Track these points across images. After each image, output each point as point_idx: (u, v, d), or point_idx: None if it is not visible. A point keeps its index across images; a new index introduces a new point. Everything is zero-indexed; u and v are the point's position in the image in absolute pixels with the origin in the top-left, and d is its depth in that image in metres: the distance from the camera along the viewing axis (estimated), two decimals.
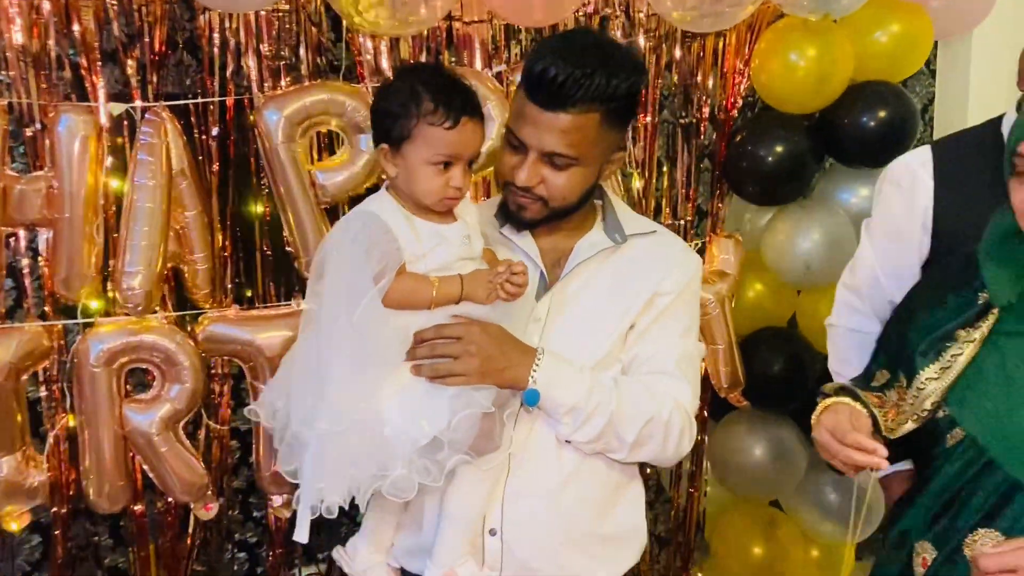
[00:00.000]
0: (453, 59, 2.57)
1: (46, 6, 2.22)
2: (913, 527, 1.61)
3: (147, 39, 2.33)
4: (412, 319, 1.65)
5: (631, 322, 1.79)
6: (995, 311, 1.56)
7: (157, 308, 2.36)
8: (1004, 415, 1.49)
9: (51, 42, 2.25)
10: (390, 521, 1.83)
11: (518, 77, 1.86)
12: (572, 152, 1.65)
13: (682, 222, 2.98)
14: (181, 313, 2.42)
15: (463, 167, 1.66)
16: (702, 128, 2.89)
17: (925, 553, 1.58)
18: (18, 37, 2.21)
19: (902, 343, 1.68)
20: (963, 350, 1.56)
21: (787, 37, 2.68)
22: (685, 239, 2.91)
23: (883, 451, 1.47)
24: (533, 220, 1.79)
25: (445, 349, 1.65)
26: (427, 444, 1.60)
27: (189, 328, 2.41)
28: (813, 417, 1.66)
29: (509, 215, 1.81)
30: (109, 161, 2.31)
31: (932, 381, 1.58)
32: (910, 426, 1.62)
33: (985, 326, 1.56)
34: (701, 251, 3.01)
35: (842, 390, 1.70)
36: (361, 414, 1.59)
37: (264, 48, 2.42)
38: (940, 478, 1.57)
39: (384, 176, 1.78)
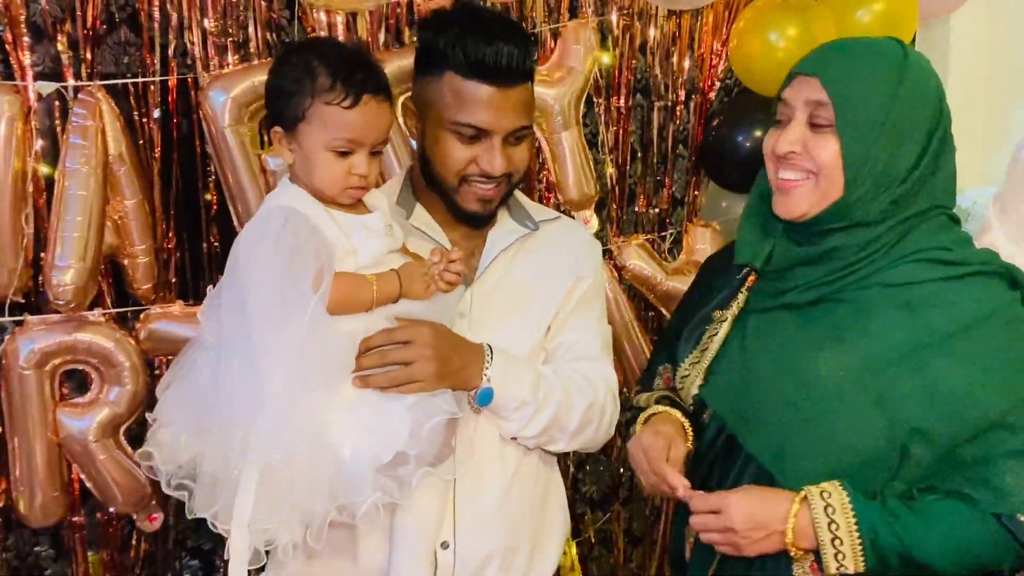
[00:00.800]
0: (415, 37, 2.41)
1: None
2: (682, 508, 1.64)
3: (80, 12, 2.15)
4: (356, 325, 1.50)
5: (556, 309, 1.78)
6: (744, 291, 1.62)
7: (94, 305, 2.19)
8: (739, 389, 1.54)
9: None
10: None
11: None
12: (528, 121, 1.67)
13: (657, 210, 2.90)
14: (121, 310, 2.25)
15: (367, 153, 1.51)
16: (677, 112, 2.82)
17: (691, 537, 1.63)
18: None
19: (672, 334, 1.75)
20: (717, 331, 1.62)
21: (766, 15, 2.59)
22: (662, 228, 2.81)
23: (682, 490, 1.50)
24: (494, 209, 1.72)
25: (398, 355, 1.52)
26: (389, 460, 1.45)
27: (130, 326, 2.25)
28: (636, 425, 1.71)
29: (463, 216, 1.72)
30: (40, 145, 2.14)
31: (693, 366, 1.64)
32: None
33: (736, 305, 1.62)
34: (677, 240, 2.91)
35: (663, 399, 1.75)
36: (311, 438, 1.42)
37: (209, 24, 2.24)
38: (697, 456, 1.63)
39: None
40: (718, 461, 1.59)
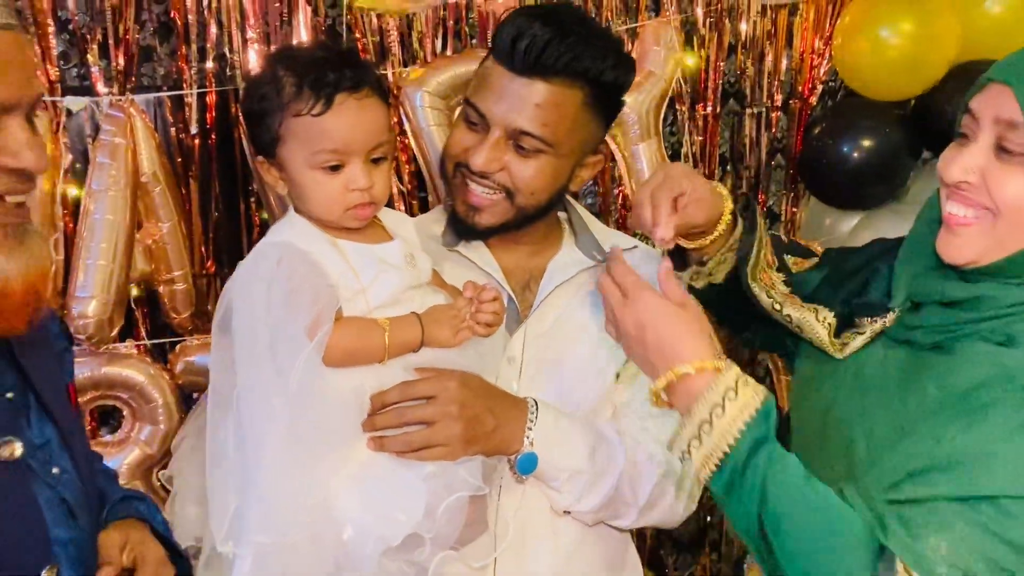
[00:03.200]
0: (473, 39, 2.23)
1: None
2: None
3: (112, 23, 2.01)
4: (364, 377, 1.28)
5: (626, 356, 1.46)
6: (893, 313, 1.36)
7: (126, 336, 2.07)
8: (819, 419, 1.36)
9: None
10: None
11: None
12: (545, 133, 1.41)
13: None
14: (155, 341, 2.11)
15: (363, 162, 1.28)
16: (774, 119, 2.66)
17: None
18: None
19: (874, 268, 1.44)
20: (851, 340, 1.36)
21: (877, 9, 2.40)
22: None
23: (665, 233, 1.34)
24: (490, 226, 1.47)
25: (417, 413, 1.29)
26: (401, 542, 1.22)
27: (166, 358, 2.13)
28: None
29: (457, 222, 1.49)
30: (70, 163, 2.03)
31: (817, 328, 1.38)
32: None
33: (882, 324, 1.35)
34: None
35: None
36: (309, 514, 1.21)
37: (251, 32, 2.07)
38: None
39: None
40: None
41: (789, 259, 1.54)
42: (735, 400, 1.15)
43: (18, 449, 1.03)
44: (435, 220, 1.60)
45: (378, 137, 1.28)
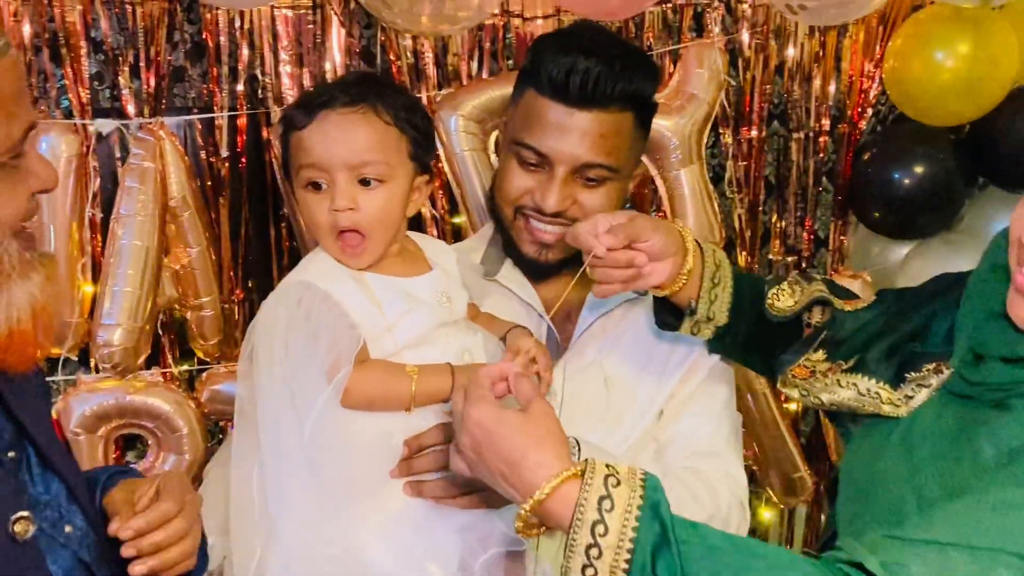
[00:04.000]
0: (510, 61, 2.17)
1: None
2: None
3: (143, 45, 1.99)
4: (393, 422, 1.22)
5: (670, 392, 1.48)
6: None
7: (152, 363, 2.04)
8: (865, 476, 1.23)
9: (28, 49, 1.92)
10: None
11: None
12: (611, 161, 1.43)
13: (794, 258, 2.60)
14: (182, 368, 2.07)
15: (348, 181, 1.22)
16: (820, 143, 2.57)
17: None
18: None
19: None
20: (916, 393, 1.23)
21: (932, 30, 2.35)
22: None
23: (599, 248, 1.26)
24: (561, 259, 1.46)
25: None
26: None
27: (192, 386, 2.09)
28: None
29: (522, 261, 1.48)
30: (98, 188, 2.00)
31: (869, 404, 1.24)
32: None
33: (944, 373, 1.23)
34: None
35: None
36: (334, 565, 1.16)
37: (283, 53, 2.04)
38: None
39: None
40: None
41: (836, 301, 1.45)
42: (612, 510, 0.98)
43: (32, 528, 0.97)
44: (473, 248, 1.57)
45: (362, 155, 1.22)
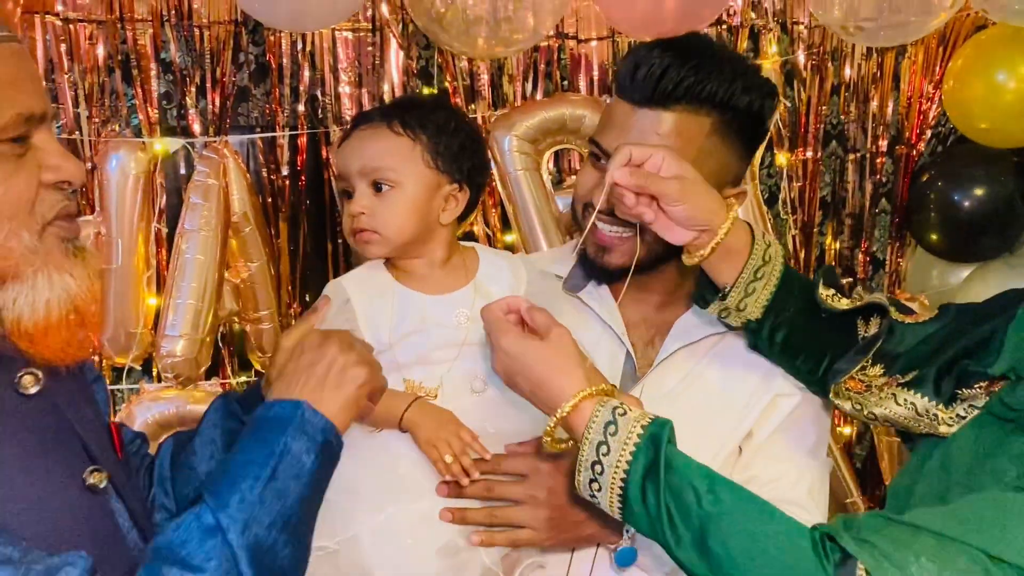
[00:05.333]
0: (565, 82, 2.19)
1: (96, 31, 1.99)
2: None
3: (209, 66, 2.05)
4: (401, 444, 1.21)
5: (747, 430, 1.37)
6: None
7: (213, 374, 2.09)
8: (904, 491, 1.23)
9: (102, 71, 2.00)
10: None
11: None
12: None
13: (851, 279, 2.57)
14: (242, 380, 2.12)
15: (363, 186, 1.25)
16: (878, 164, 2.56)
17: None
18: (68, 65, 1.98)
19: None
20: (968, 415, 1.21)
21: (993, 51, 2.33)
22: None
23: (609, 176, 1.18)
24: (620, 266, 1.34)
25: (506, 490, 1.22)
26: None
27: None
28: None
29: (588, 265, 1.39)
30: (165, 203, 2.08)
31: (942, 423, 1.22)
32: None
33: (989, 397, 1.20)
34: None
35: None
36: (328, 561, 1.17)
37: (343, 74, 2.09)
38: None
39: None
40: None
41: (895, 312, 1.42)
42: (625, 415, 1.11)
43: (105, 479, 0.99)
44: (557, 260, 1.50)
45: (373, 161, 1.24)
